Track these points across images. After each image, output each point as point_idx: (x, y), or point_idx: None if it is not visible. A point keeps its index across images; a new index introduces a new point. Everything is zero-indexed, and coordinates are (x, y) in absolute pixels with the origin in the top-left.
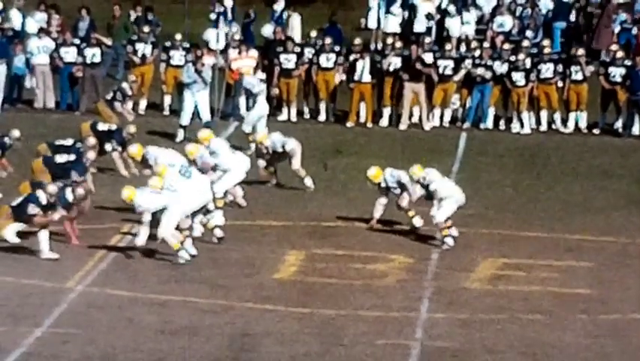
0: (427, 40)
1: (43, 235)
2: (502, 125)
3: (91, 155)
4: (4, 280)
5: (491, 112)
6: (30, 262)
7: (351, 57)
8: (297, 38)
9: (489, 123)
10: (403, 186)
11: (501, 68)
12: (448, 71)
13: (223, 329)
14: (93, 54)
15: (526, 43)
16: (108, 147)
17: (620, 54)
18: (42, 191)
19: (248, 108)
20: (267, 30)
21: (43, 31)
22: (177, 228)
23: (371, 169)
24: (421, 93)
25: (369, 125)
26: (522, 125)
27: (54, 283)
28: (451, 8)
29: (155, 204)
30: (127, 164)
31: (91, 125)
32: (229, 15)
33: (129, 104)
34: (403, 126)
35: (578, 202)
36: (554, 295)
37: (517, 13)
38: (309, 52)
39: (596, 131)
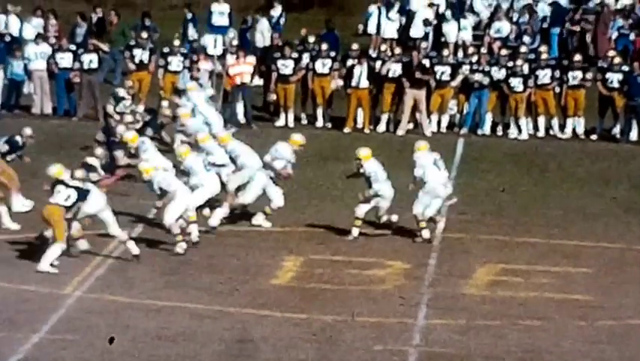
0: (424, 45)
1: (55, 249)
2: (499, 130)
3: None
4: (1, 286)
5: (489, 118)
6: (27, 268)
7: (349, 63)
8: (266, 43)
9: (486, 129)
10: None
11: (498, 73)
12: (446, 77)
13: (220, 334)
14: (90, 60)
15: (523, 49)
16: (149, 131)
17: (617, 60)
18: (91, 158)
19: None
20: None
21: (40, 37)
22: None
23: (364, 149)
24: (422, 100)
25: (367, 130)
26: (520, 131)
27: (51, 289)
28: (449, 14)
29: (171, 186)
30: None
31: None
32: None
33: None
34: (400, 132)
35: (575, 208)
36: (552, 301)
37: (515, 19)
38: (306, 58)
39: (593, 137)
